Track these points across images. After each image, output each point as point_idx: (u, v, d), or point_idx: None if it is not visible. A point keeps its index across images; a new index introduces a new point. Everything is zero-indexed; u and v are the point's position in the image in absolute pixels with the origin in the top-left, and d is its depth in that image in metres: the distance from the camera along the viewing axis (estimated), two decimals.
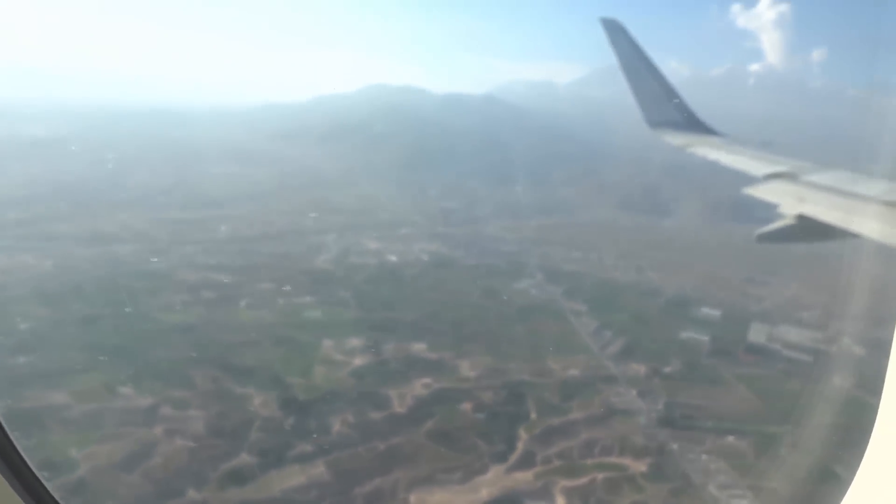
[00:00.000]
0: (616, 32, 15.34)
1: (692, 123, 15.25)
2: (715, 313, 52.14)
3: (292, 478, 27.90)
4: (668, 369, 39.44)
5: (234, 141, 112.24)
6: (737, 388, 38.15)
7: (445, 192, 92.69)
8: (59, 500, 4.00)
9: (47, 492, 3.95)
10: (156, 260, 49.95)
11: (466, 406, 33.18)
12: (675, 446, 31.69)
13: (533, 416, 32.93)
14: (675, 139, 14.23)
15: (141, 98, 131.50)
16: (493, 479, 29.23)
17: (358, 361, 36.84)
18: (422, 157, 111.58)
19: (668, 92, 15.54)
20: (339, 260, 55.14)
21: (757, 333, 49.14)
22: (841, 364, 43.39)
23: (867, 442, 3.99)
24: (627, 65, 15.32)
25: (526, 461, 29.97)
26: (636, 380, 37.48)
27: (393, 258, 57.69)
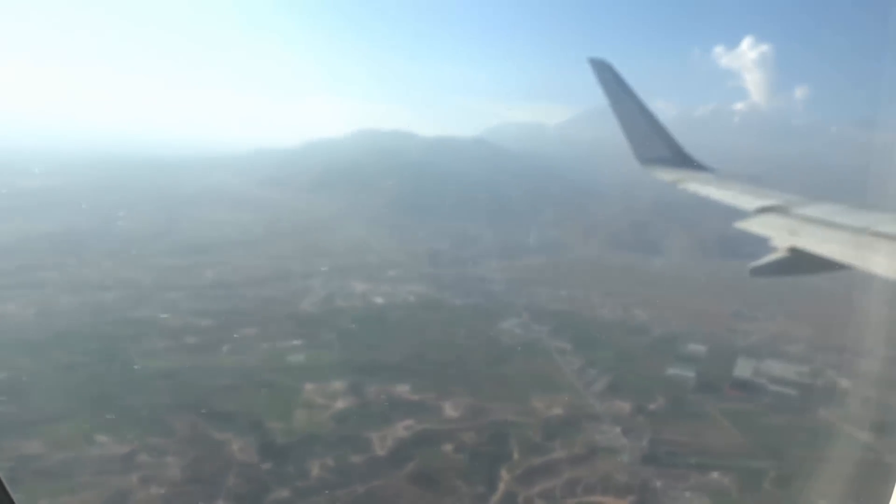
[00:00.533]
0: (604, 72, 15.65)
1: (682, 159, 15.47)
2: (701, 349, 51.98)
3: None
4: (652, 406, 39.23)
5: (225, 188, 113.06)
6: (721, 423, 37.90)
7: (434, 234, 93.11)
8: None
9: None
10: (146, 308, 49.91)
11: (448, 447, 32.89)
12: (658, 483, 31.37)
13: (515, 455, 32.62)
14: (665, 175, 14.42)
15: (135, 148, 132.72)
16: None
17: (340, 404, 36.61)
18: (411, 200, 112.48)
19: (657, 129, 15.82)
20: (324, 303, 55.13)
21: (743, 368, 49.04)
22: (827, 397, 43.38)
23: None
24: (616, 103, 15.59)
25: (507, 502, 29.60)
26: (620, 417, 37.24)
27: (379, 300, 57.69)
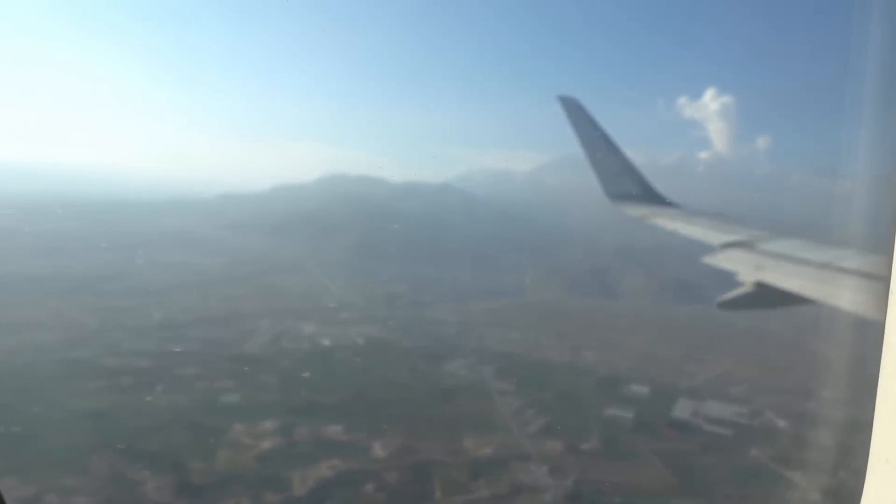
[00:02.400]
0: (573, 109, 15.89)
1: (650, 196, 15.67)
2: (643, 390, 52.25)
3: None
4: (585, 446, 39.20)
5: (188, 231, 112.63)
6: (652, 462, 37.93)
7: (394, 278, 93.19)
8: None
9: None
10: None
11: (369, 487, 32.60)
12: None
13: (437, 494, 32.42)
14: (633, 211, 14.64)
15: (96, 190, 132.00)
16: None
17: (266, 444, 36.17)
18: (374, 245, 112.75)
19: (626, 165, 16.04)
20: (269, 345, 54.75)
21: (682, 409, 49.27)
22: (761, 437, 43.66)
23: None
24: (585, 140, 15.77)
25: None
26: (550, 457, 37.15)
27: (326, 342, 57.34)
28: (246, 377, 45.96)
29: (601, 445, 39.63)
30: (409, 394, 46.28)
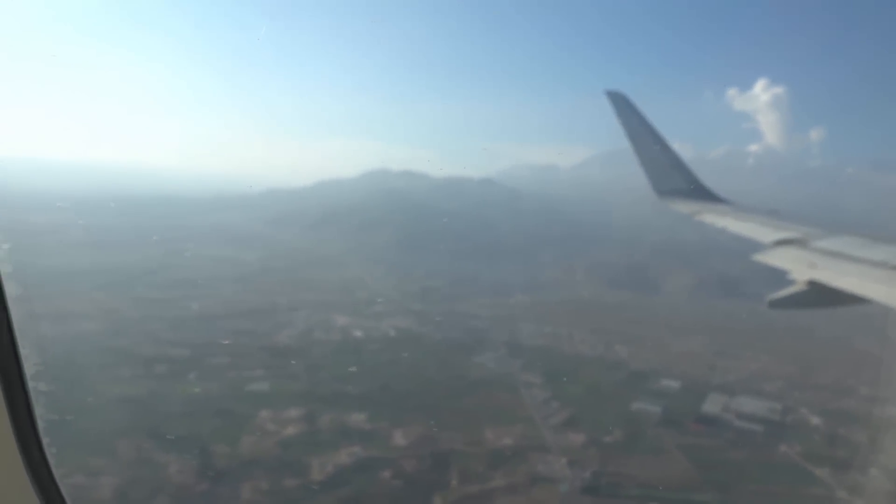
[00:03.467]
0: (621, 104, 15.83)
1: (699, 192, 15.48)
2: (675, 385, 51.56)
3: None
4: (607, 439, 38.95)
5: (231, 225, 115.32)
6: (676, 457, 37.46)
7: (430, 272, 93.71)
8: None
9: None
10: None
11: (386, 474, 33.05)
12: None
13: (454, 483, 32.68)
14: (682, 207, 14.48)
15: (145, 187, 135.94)
16: None
17: (290, 431, 36.97)
18: (413, 239, 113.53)
19: (675, 161, 15.89)
20: (302, 336, 55.82)
21: (712, 404, 48.46)
22: (793, 434, 42.72)
23: None
24: (633, 134, 15.64)
25: None
26: (570, 449, 37.03)
27: (358, 334, 58.17)
28: (276, 366, 46.96)
29: (625, 439, 39.35)
30: (435, 385, 46.65)
